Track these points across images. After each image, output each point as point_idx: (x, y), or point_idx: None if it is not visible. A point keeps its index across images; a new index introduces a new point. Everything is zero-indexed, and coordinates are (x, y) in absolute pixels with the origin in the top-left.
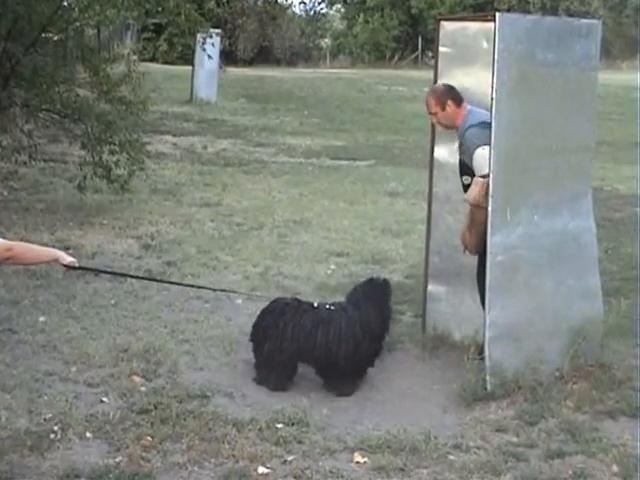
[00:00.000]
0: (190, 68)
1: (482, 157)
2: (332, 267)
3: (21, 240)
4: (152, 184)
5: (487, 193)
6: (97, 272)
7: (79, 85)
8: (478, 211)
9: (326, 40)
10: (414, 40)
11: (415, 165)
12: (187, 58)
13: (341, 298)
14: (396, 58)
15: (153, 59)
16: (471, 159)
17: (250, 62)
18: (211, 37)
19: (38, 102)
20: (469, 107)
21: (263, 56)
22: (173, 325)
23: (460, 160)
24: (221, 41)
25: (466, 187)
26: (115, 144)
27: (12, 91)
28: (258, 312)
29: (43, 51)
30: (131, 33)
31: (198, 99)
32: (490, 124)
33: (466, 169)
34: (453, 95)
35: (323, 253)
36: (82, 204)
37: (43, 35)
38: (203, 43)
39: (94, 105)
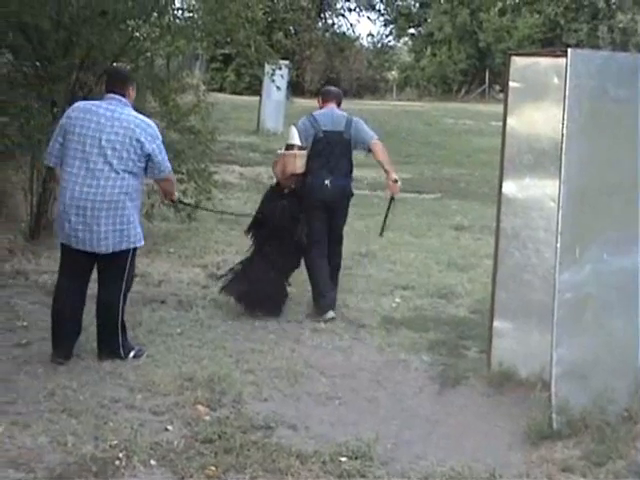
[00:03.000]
0: (257, 99)
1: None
2: (397, 300)
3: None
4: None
5: (279, 162)
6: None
7: (149, 114)
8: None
9: (393, 72)
10: (481, 74)
11: (481, 199)
12: (254, 89)
13: (407, 332)
14: (463, 91)
15: (221, 89)
16: None
17: (317, 93)
18: (280, 68)
19: None
20: (329, 108)
21: None
22: (238, 355)
23: None
24: (289, 72)
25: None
26: (183, 173)
27: None
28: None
29: None
30: (200, 63)
31: (265, 130)
32: (314, 117)
33: None
34: (323, 94)
35: (388, 286)
36: (150, 232)
37: (115, 65)
38: (272, 74)
39: (163, 135)
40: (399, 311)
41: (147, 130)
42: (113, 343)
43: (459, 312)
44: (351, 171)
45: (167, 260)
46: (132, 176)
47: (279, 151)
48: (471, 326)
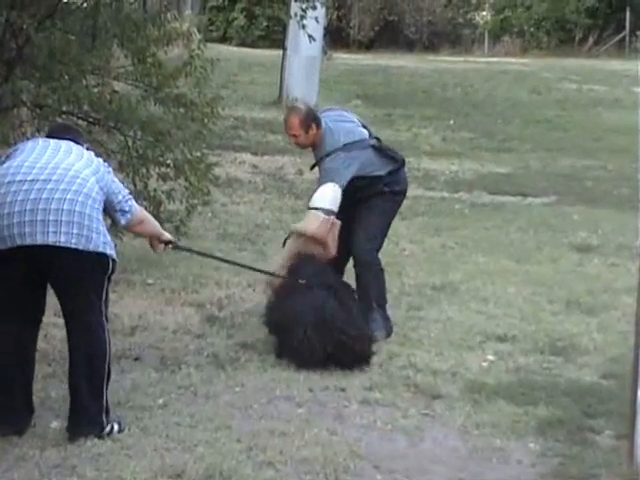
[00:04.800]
0: (279, 53)
1: (322, 193)
2: (490, 357)
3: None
4: (221, 225)
5: (323, 226)
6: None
7: (116, 77)
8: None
9: (484, 13)
10: (618, 15)
11: (617, 205)
12: (275, 38)
13: (504, 405)
14: (590, 41)
15: (224, 39)
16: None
17: (369, 45)
18: (314, 8)
19: (56, 101)
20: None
21: (388, 36)
22: (250, 439)
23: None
24: (326, 14)
25: None
26: (168, 165)
27: (18, 84)
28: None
29: (64, 26)
30: (192, 0)
31: (291, 99)
32: (355, 142)
33: None
34: (315, 117)
35: (476, 335)
36: (117, 253)
37: (65, 1)
38: (302, 17)
39: (138, 107)
40: (492, 374)
41: None
42: (94, 407)
43: (584, 376)
44: None
45: (143, 296)
46: None
47: (323, 214)
48: (603, 398)
